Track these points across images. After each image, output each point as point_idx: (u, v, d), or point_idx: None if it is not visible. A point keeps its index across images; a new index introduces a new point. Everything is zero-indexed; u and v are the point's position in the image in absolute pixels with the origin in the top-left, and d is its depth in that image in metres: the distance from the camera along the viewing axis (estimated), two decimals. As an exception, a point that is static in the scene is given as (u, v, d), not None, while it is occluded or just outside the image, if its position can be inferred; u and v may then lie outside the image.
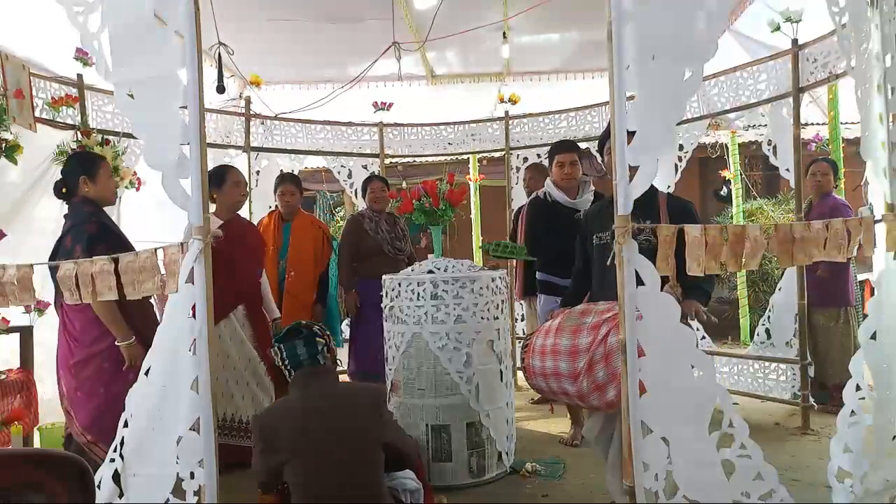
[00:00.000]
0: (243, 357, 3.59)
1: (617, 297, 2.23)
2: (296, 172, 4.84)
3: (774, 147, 4.34)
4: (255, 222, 4.51)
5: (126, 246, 2.98)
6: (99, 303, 2.64)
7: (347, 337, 4.82)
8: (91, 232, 2.87)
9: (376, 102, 5.66)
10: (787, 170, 4.25)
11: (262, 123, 5.36)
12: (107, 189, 3.08)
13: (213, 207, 3.63)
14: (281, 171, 4.90)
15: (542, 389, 2.63)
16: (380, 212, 4.51)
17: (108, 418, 2.85)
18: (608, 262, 2.01)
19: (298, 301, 4.30)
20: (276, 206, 4.48)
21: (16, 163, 3.46)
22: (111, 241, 2.90)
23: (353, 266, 4.42)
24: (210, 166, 3.19)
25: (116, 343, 2.86)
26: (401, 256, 4.47)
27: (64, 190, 3.04)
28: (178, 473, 2.01)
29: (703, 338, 5.15)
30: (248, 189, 3.78)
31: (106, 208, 3.14)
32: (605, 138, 2.76)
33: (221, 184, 3.62)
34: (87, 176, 2.99)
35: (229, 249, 3.38)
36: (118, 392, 2.83)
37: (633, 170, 1.90)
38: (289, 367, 2.34)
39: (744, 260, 2.09)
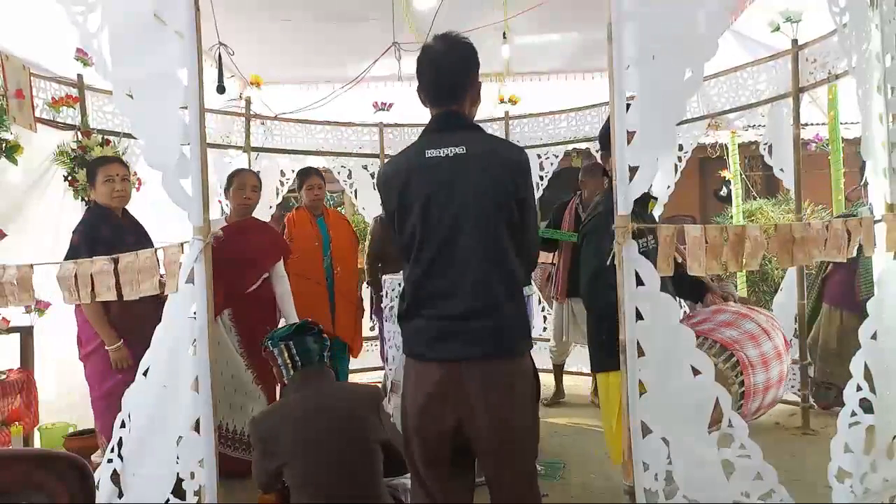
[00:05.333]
0: (230, 363, 3.42)
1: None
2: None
3: (770, 146, 4.33)
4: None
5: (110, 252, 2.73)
6: (87, 305, 2.66)
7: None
8: (72, 242, 2.93)
9: (376, 103, 5.65)
10: (782, 170, 4.24)
11: (262, 124, 5.36)
12: (101, 194, 3.02)
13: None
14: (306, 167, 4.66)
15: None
16: None
17: (107, 416, 2.87)
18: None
19: (346, 298, 4.21)
20: (301, 202, 4.31)
21: (16, 163, 3.46)
22: (89, 250, 2.74)
23: (379, 268, 4.35)
24: (210, 166, 3.18)
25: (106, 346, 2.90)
26: None
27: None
28: (178, 473, 2.01)
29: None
30: (254, 192, 3.62)
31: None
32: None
33: (228, 188, 3.65)
34: (89, 182, 3.09)
35: (221, 250, 3.35)
36: (109, 389, 2.87)
37: (633, 170, 1.89)
38: (297, 365, 2.29)
39: (744, 260, 2.09)
